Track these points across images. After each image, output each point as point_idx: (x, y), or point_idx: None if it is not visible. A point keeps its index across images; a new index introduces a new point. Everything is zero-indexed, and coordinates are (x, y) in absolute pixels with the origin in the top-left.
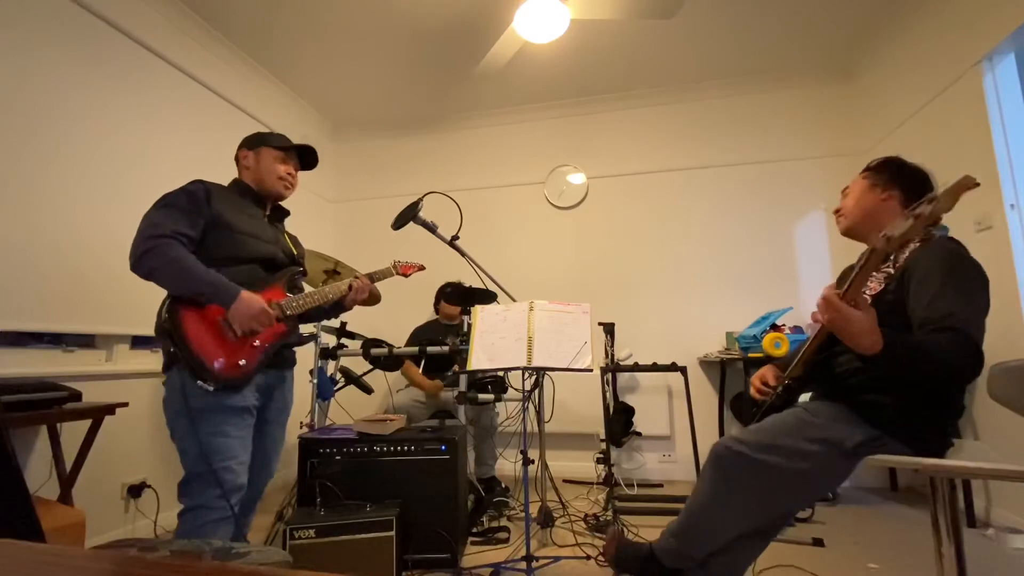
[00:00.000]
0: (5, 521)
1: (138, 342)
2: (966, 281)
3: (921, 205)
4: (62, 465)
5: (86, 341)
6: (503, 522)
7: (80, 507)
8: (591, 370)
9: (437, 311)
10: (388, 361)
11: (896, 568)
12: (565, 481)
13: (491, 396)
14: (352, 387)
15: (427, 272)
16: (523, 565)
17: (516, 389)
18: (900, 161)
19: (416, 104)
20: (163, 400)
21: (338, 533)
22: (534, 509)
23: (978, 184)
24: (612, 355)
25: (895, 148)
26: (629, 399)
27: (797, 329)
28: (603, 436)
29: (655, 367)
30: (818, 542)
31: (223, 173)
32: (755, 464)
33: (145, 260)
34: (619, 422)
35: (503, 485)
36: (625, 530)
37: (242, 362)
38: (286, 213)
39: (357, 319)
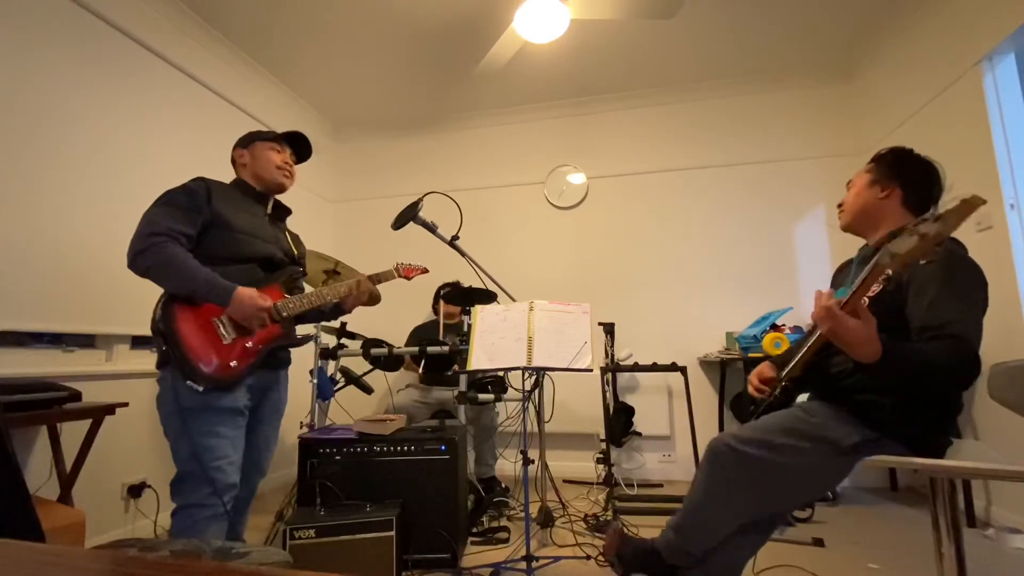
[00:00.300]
0: (5, 521)
1: (138, 342)
2: (965, 285)
3: (925, 223)
4: (62, 465)
5: (86, 341)
6: (503, 522)
7: (80, 507)
8: (591, 370)
9: (436, 311)
10: (388, 361)
11: (896, 568)
12: (565, 481)
13: (491, 396)
14: (352, 387)
15: (431, 272)
16: (523, 565)
17: (516, 389)
18: (904, 154)
19: (416, 104)
20: (156, 399)
21: (338, 533)
22: (534, 509)
23: (984, 202)
24: (612, 355)
25: None
26: (629, 399)
27: (797, 329)
28: (603, 436)
29: (655, 367)
30: (818, 542)
31: (223, 173)
32: (750, 460)
33: (141, 258)
34: (619, 422)
35: (503, 485)
36: (625, 530)
37: (233, 363)
38: (288, 212)
39: (357, 319)
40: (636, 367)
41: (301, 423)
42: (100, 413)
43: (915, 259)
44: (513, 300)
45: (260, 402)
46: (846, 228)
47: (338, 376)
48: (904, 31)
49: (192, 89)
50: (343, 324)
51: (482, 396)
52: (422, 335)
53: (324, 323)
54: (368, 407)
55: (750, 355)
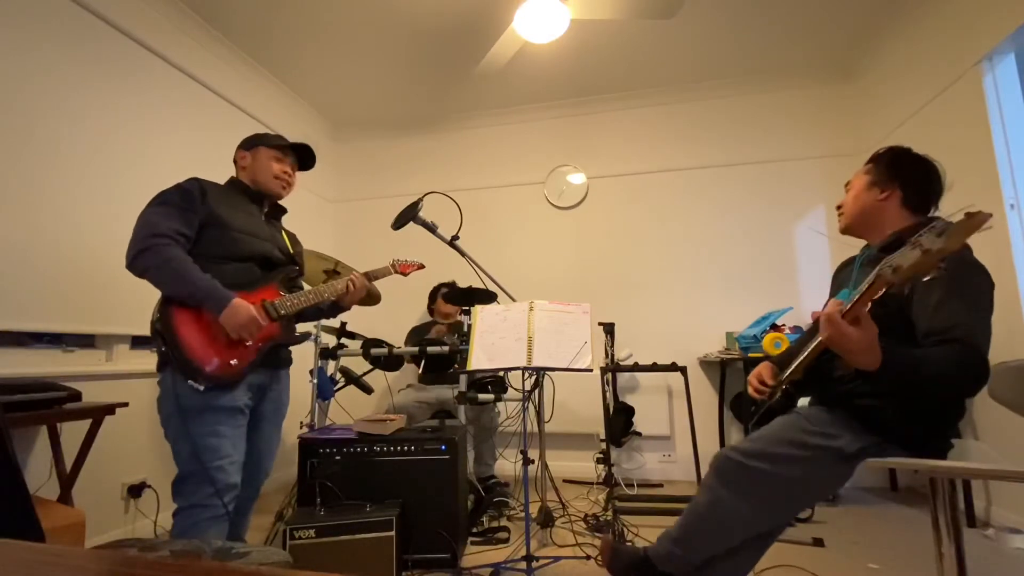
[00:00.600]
0: (5, 521)
1: (138, 342)
2: (971, 287)
3: (929, 236)
4: (62, 465)
5: (86, 341)
6: (503, 522)
7: (80, 507)
8: (591, 370)
9: (431, 311)
10: (388, 361)
11: (896, 568)
12: (565, 481)
13: (491, 396)
14: (352, 387)
15: (427, 272)
16: (523, 565)
17: (516, 389)
18: (902, 153)
19: (416, 104)
20: (157, 400)
21: (338, 533)
22: (534, 509)
23: (991, 216)
24: (612, 355)
25: None
26: (629, 399)
27: (797, 329)
28: (603, 436)
29: (655, 367)
30: (818, 542)
31: (223, 173)
32: (755, 473)
33: (140, 260)
34: (619, 422)
35: (503, 483)
36: (625, 530)
37: (233, 362)
38: (283, 211)
39: (357, 319)
40: (636, 367)
41: (301, 423)
42: (100, 413)
43: (918, 274)
44: (513, 300)
45: (261, 401)
46: (845, 231)
47: (338, 376)
48: (904, 31)
49: (192, 89)
50: (343, 324)
51: (482, 396)
52: (421, 335)
53: (324, 323)
54: (368, 407)
55: (750, 355)
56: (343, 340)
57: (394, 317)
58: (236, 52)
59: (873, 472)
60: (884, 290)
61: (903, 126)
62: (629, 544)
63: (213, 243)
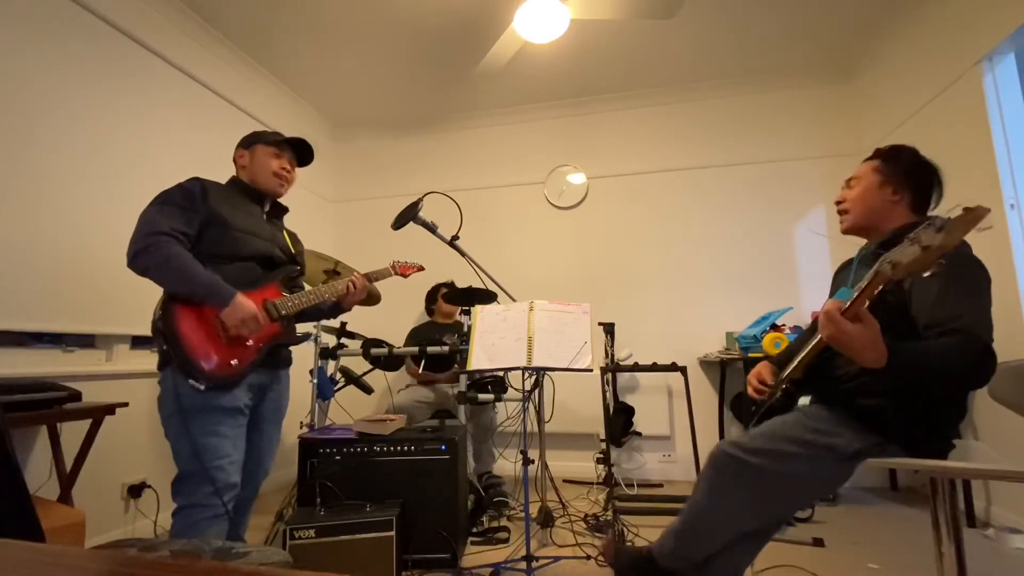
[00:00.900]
0: (5, 521)
1: (138, 342)
2: (970, 280)
3: (928, 232)
4: (62, 465)
5: (86, 341)
6: (503, 522)
7: (80, 507)
8: (591, 370)
9: (430, 312)
10: (388, 361)
11: (896, 568)
12: (565, 481)
13: (491, 396)
14: (352, 387)
15: (427, 272)
16: (523, 565)
17: (516, 389)
18: (915, 155)
19: (416, 104)
20: (157, 399)
21: (338, 533)
22: (534, 509)
23: (989, 211)
24: (612, 355)
25: None
26: (629, 399)
27: (797, 329)
28: (603, 436)
29: (655, 367)
30: (818, 542)
31: (223, 173)
32: (752, 468)
33: (141, 258)
34: (619, 422)
35: (502, 481)
36: (625, 530)
37: (234, 361)
38: (285, 210)
39: (357, 319)
40: (636, 367)
41: (301, 423)
42: (100, 413)
43: (917, 270)
44: (513, 300)
45: (261, 401)
46: (850, 230)
47: (338, 376)
48: (904, 31)
49: (192, 89)
50: (343, 324)
51: (482, 396)
52: (421, 335)
53: (324, 323)
54: (368, 407)
55: (750, 355)
56: (343, 340)
57: (394, 317)
58: (236, 52)
59: (873, 472)
60: (883, 286)
61: (903, 126)
62: (630, 543)
63: (214, 242)
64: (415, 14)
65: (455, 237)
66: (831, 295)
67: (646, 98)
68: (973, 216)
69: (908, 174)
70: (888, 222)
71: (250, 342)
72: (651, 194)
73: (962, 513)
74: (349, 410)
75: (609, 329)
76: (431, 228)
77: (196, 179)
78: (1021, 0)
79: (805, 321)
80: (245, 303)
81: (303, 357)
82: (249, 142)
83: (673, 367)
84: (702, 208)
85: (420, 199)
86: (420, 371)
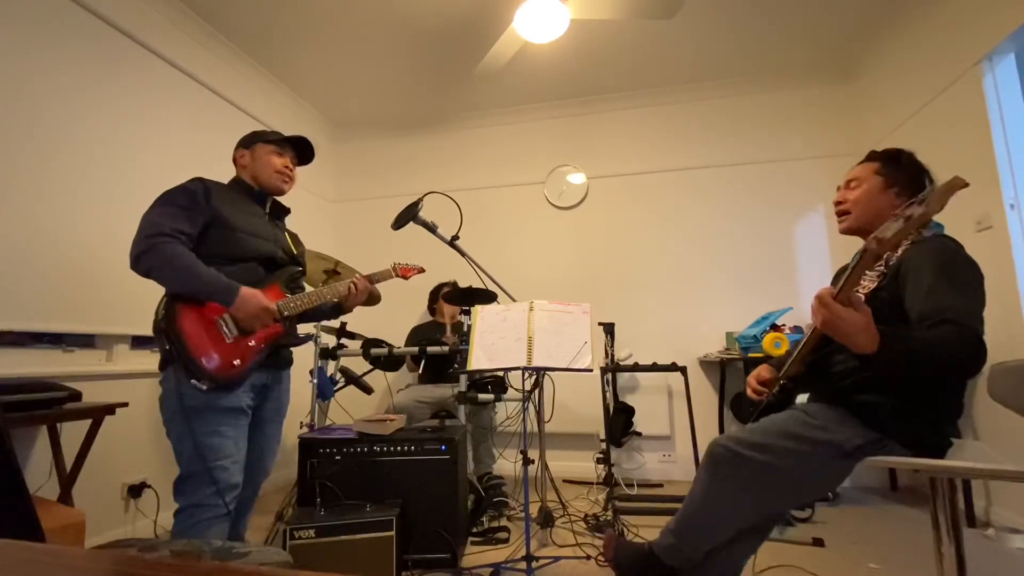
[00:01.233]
0: (5, 521)
1: (138, 342)
2: (961, 275)
3: (912, 207)
4: (62, 465)
5: (86, 341)
6: (503, 522)
7: (80, 507)
8: (591, 370)
9: (432, 312)
10: (388, 361)
11: (896, 568)
12: (565, 481)
13: (491, 396)
14: (352, 387)
15: (427, 272)
16: (523, 565)
17: (516, 389)
18: (914, 158)
19: (416, 104)
20: (159, 399)
21: (338, 533)
22: (534, 509)
23: (967, 184)
24: (612, 355)
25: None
26: (629, 399)
27: (797, 329)
28: (603, 436)
29: (655, 367)
30: (818, 542)
31: (223, 173)
32: (750, 463)
33: (144, 259)
34: (619, 422)
35: (503, 482)
36: (625, 530)
37: (237, 361)
38: (286, 211)
39: (357, 319)
40: (636, 367)
41: (301, 423)
42: (100, 413)
43: (900, 240)
44: (513, 300)
45: (262, 402)
46: (850, 230)
47: (338, 376)
48: (904, 31)
49: (192, 89)
50: (343, 324)
51: (482, 396)
52: (421, 336)
53: (324, 323)
54: (368, 407)
55: (750, 355)
56: (343, 340)
57: (394, 317)
58: (236, 52)
59: (873, 472)
60: (878, 267)
61: (903, 126)
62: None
63: (217, 243)
64: (415, 14)
65: (455, 237)
66: None
67: (646, 98)
68: (949, 187)
69: (913, 177)
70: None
71: (252, 342)
72: (651, 194)
73: (962, 513)
74: (349, 410)
75: (609, 329)
76: (431, 228)
77: (198, 179)
78: (1021, 0)
79: (805, 321)
80: (253, 295)
81: (303, 357)
82: (249, 141)
83: (673, 367)
84: (702, 208)
85: (420, 199)
86: (420, 371)
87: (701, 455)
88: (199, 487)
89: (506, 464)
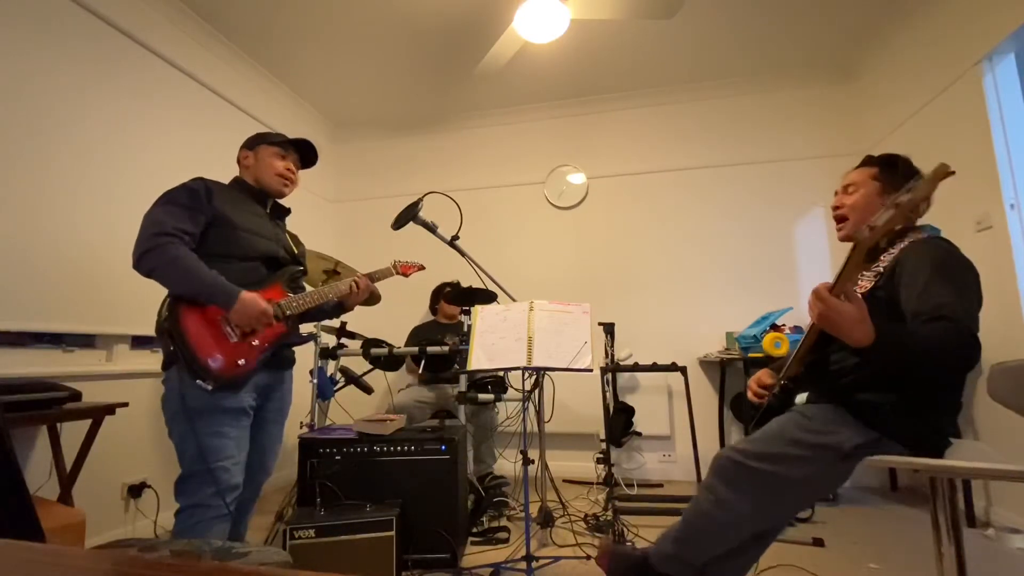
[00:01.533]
0: (5, 521)
1: (138, 342)
2: (956, 274)
3: (901, 195)
4: (62, 465)
5: (86, 341)
6: (503, 522)
7: (80, 507)
8: (591, 370)
9: (434, 311)
10: (388, 361)
11: (896, 568)
12: (565, 481)
13: (491, 396)
14: (352, 387)
15: (427, 272)
16: (523, 565)
17: (516, 389)
18: (910, 163)
19: (416, 104)
20: (162, 399)
21: (338, 533)
22: (534, 509)
23: (953, 172)
24: (612, 355)
25: (895, 148)
26: (629, 399)
27: (797, 329)
28: (603, 436)
29: (655, 367)
30: (818, 542)
31: (223, 173)
32: (755, 473)
33: (146, 259)
34: (619, 422)
35: (505, 482)
36: (625, 530)
37: (241, 361)
38: (287, 211)
39: (357, 319)
40: (636, 367)
41: (301, 423)
42: (100, 413)
43: (892, 227)
44: (513, 300)
45: (265, 402)
46: (848, 237)
47: (338, 376)
48: (904, 31)
49: (192, 89)
50: (343, 324)
51: (482, 396)
52: (422, 336)
53: (324, 323)
54: (368, 407)
55: (750, 355)
56: (343, 340)
57: (394, 317)
58: (236, 52)
59: (873, 472)
60: (867, 254)
61: (903, 126)
62: (629, 544)
63: (219, 242)
64: (415, 14)
65: (455, 237)
66: None
67: (646, 98)
68: (935, 175)
69: (905, 178)
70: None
71: (255, 342)
72: (651, 194)
73: (962, 513)
74: (349, 410)
75: (609, 329)
76: (431, 228)
77: (200, 179)
78: (1021, 0)
79: (805, 321)
80: (252, 300)
81: (303, 357)
82: (253, 143)
83: (673, 367)
84: (702, 208)
85: (420, 199)
86: (420, 371)
87: (701, 455)
88: (200, 487)
89: (506, 464)
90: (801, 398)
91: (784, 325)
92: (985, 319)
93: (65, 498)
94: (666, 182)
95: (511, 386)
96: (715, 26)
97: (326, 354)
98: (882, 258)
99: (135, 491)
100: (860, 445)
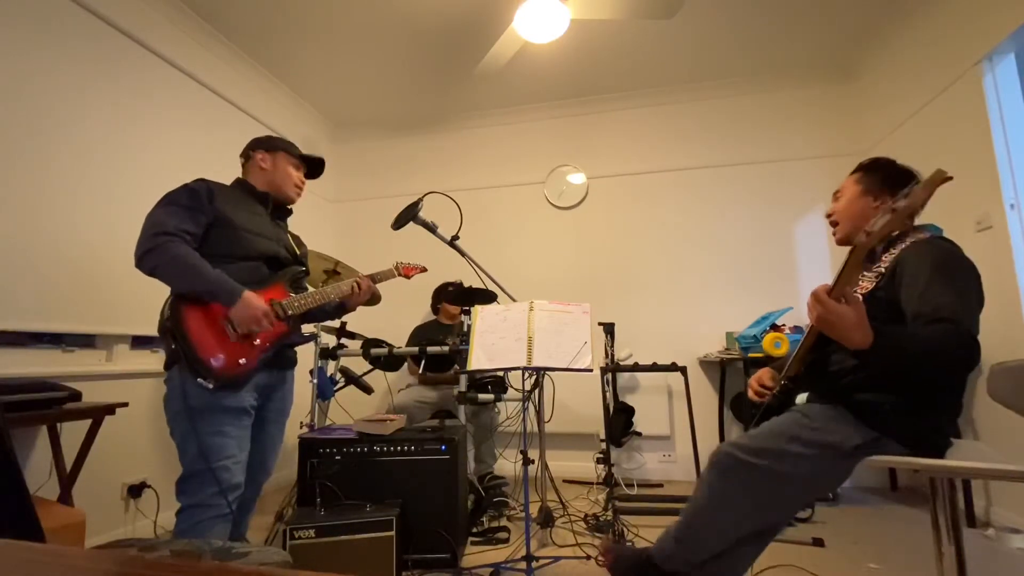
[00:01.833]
0: (5, 521)
1: (138, 342)
2: (957, 275)
3: (898, 200)
4: (62, 465)
5: (86, 341)
6: (503, 522)
7: (80, 507)
8: (591, 370)
9: (436, 311)
10: (388, 361)
11: (896, 568)
12: (565, 481)
13: (491, 396)
14: (352, 387)
15: (428, 272)
16: (523, 565)
17: (516, 389)
18: (890, 163)
19: (416, 104)
20: (164, 398)
21: (338, 533)
22: (534, 509)
23: (950, 177)
24: (612, 355)
25: (895, 148)
26: (629, 399)
27: (797, 329)
28: (603, 436)
29: (655, 367)
30: (818, 542)
31: (222, 173)
32: (754, 469)
33: (149, 258)
34: (619, 422)
35: (505, 482)
36: (625, 530)
37: (242, 361)
38: (288, 212)
39: (357, 319)
40: (636, 367)
41: (301, 423)
42: (100, 413)
43: (889, 232)
44: (513, 300)
45: (266, 402)
46: (843, 240)
47: (338, 376)
48: (904, 31)
49: (192, 89)
50: (343, 324)
51: (482, 396)
52: (423, 335)
53: (324, 323)
54: (368, 407)
55: (750, 355)
56: (343, 340)
57: (394, 317)
58: (236, 52)
59: (873, 472)
60: (865, 257)
61: (903, 126)
62: (630, 544)
63: (221, 242)
64: (415, 14)
65: (455, 237)
66: None
67: (646, 98)
68: (932, 181)
69: (884, 180)
70: None
71: (257, 341)
72: (651, 194)
73: (962, 513)
74: (349, 410)
75: (609, 329)
76: (431, 228)
77: (202, 180)
78: (1021, 0)
79: (805, 321)
80: (254, 300)
81: (303, 357)
82: (272, 147)
83: (673, 367)
84: (702, 208)
85: (420, 199)
86: (420, 371)
87: (701, 455)
88: (202, 487)
89: (506, 464)
90: (801, 398)
91: (784, 325)
92: (985, 319)
93: (65, 498)
94: (666, 182)
95: (511, 386)
96: (715, 26)
97: (326, 354)
98: (883, 258)
99: (135, 491)
100: (860, 445)
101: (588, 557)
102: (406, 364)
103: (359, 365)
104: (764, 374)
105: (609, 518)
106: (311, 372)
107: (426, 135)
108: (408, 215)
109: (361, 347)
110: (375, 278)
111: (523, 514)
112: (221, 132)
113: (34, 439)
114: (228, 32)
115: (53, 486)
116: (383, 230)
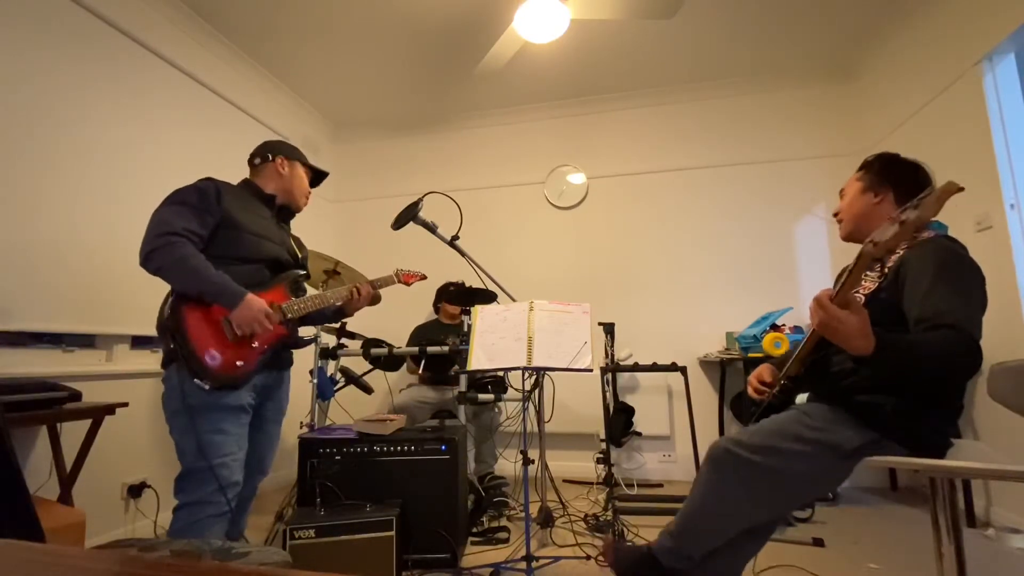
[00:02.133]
0: (5, 521)
1: (138, 342)
2: (960, 278)
3: (907, 211)
4: (62, 465)
5: (86, 341)
6: (503, 522)
7: (80, 507)
8: (591, 370)
9: (437, 311)
10: (388, 361)
11: (896, 568)
12: (565, 481)
13: (491, 396)
14: (352, 387)
15: (427, 272)
16: (523, 565)
17: (516, 389)
18: (891, 158)
19: (416, 104)
20: (162, 396)
21: (338, 533)
22: (534, 509)
23: (962, 189)
24: (612, 355)
25: (895, 148)
26: (629, 399)
27: (797, 329)
28: (603, 436)
29: (655, 367)
30: (818, 542)
31: (222, 173)
32: (751, 466)
33: (154, 257)
34: (619, 422)
35: (505, 482)
36: (625, 530)
37: (240, 363)
38: (292, 214)
39: (357, 319)
40: (636, 367)
41: (301, 423)
42: (100, 413)
43: (896, 244)
44: (513, 300)
45: (263, 402)
46: (847, 238)
47: (338, 376)
48: (904, 31)
49: (192, 89)
50: (343, 324)
51: (482, 396)
52: (423, 335)
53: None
54: (368, 407)
55: (750, 355)
56: (343, 340)
57: (394, 317)
58: (236, 52)
59: (873, 472)
60: (877, 270)
61: (903, 126)
62: (630, 543)
63: (226, 244)
64: (415, 14)
65: (455, 237)
66: None
67: (646, 98)
68: (944, 192)
69: (883, 175)
70: (876, 223)
71: (256, 344)
72: (651, 194)
73: (962, 513)
74: (349, 410)
75: (609, 329)
76: (431, 228)
77: (210, 180)
78: (1021, 0)
79: (805, 321)
80: (255, 303)
81: (303, 357)
82: (292, 155)
83: (673, 367)
84: (702, 208)
85: (420, 199)
86: (420, 371)
87: (701, 455)
88: (201, 484)
89: (506, 464)
90: (802, 398)
91: (784, 325)
92: (985, 319)
93: (65, 498)
94: (666, 182)
95: (511, 386)
96: (715, 26)
97: (326, 354)
98: (887, 257)
99: (135, 491)
100: (861, 446)
101: (588, 557)
102: (405, 364)
103: (359, 365)
104: (764, 370)
105: (609, 518)
106: (311, 372)
107: (426, 135)
108: (408, 215)
109: (361, 347)
110: (375, 284)
111: (523, 514)
112: (221, 132)
113: (34, 439)
114: (228, 32)
115: (53, 486)
116: (383, 230)
